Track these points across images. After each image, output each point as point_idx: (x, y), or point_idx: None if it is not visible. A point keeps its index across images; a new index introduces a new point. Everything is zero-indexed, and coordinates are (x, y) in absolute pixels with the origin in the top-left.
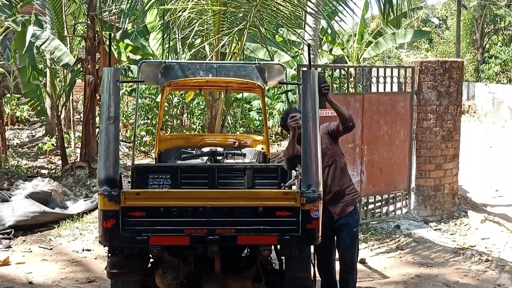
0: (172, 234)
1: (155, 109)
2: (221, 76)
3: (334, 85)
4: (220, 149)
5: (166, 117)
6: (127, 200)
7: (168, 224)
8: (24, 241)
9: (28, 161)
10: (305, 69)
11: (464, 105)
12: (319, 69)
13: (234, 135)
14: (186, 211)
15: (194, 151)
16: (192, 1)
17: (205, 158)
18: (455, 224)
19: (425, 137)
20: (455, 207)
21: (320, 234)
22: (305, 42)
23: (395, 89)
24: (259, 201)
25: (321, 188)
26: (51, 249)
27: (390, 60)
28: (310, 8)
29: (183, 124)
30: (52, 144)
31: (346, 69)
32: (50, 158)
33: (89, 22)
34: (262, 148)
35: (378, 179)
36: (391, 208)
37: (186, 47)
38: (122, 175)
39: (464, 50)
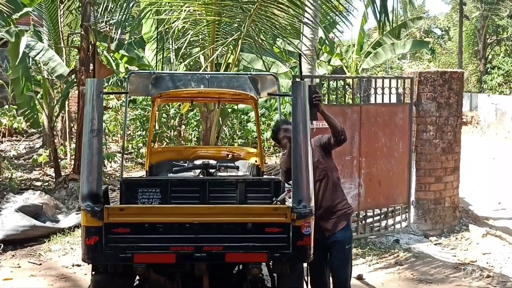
0: (158, 251)
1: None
2: (213, 87)
3: (331, 96)
4: (212, 162)
5: (164, 128)
6: (111, 216)
7: (153, 241)
8: (13, 256)
9: (24, 173)
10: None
11: (466, 116)
12: (316, 80)
13: (228, 148)
14: (172, 228)
15: (186, 164)
16: (185, 11)
17: (198, 171)
18: (456, 238)
19: (425, 149)
20: (456, 221)
21: (312, 251)
22: (298, 51)
23: (393, 100)
24: (248, 217)
25: (312, 203)
26: (40, 264)
27: (392, 71)
28: (307, 18)
29: (181, 135)
30: (47, 156)
31: (343, 80)
32: (45, 170)
33: (83, 32)
34: (256, 161)
35: (377, 192)
36: (390, 222)
37: (180, 58)
38: (110, 189)
39: (466, 61)
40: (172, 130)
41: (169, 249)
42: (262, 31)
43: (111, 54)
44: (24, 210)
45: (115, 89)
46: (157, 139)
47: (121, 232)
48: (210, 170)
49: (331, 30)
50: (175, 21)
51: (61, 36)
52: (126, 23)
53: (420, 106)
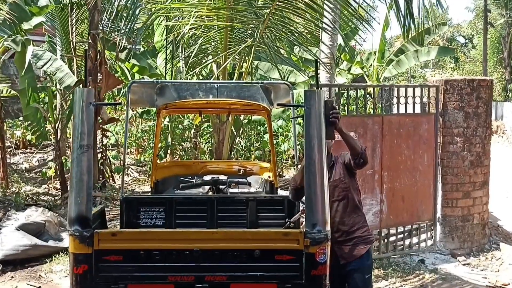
0: (154, 281)
1: (165, 131)
2: (222, 97)
3: (351, 106)
4: (223, 177)
5: (179, 140)
6: (101, 242)
7: (149, 269)
8: (12, 277)
9: (34, 186)
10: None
11: (492, 125)
12: (335, 89)
13: (239, 162)
14: (170, 255)
15: (194, 180)
16: (194, 16)
17: (207, 187)
18: (486, 258)
19: (452, 162)
20: (485, 239)
21: (327, 282)
22: (315, 58)
23: (417, 110)
24: (256, 242)
25: (328, 228)
26: (39, 287)
27: (414, 80)
28: (325, 24)
29: (197, 147)
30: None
31: (364, 88)
32: (55, 184)
33: (90, 41)
34: (269, 176)
35: (400, 208)
36: (415, 240)
37: (191, 67)
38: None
39: (491, 69)
40: (188, 142)
41: (166, 279)
42: (277, 37)
43: (120, 64)
44: (26, 228)
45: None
46: (168, 152)
47: (113, 260)
48: (220, 187)
49: (353, 37)
50: (184, 27)
51: (72, 46)
52: (133, 31)
53: (446, 116)
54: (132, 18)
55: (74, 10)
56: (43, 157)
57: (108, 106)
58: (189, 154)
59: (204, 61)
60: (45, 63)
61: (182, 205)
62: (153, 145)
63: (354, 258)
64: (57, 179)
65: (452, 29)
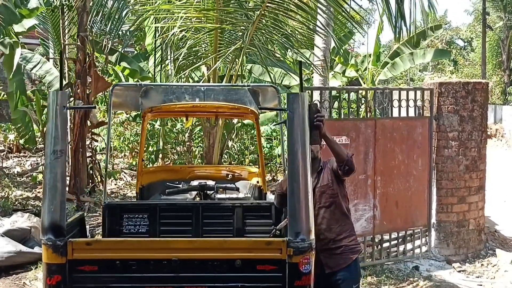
0: None
1: (156, 135)
2: (209, 101)
3: (344, 110)
4: (211, 183)
5: (173, 144)
6: (76, 252)
7: (125, 280)
8: None
9: (25, 191)
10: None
11: (490, 129)
12: (324, 93)
13: (228, 167)
14: (148, 265)
15: (180, 185)
16: (181, 19)
17: (194, 193)
18: (482, 264)
19: (447, 166)
20: (481, 245)
21: None
22: (306, 61)
23: (411, 113)
24: (237, 252)
25: (312, 236)
26: None
27: (414, 83)
28: (318, 26)
29: (191, 151)
30: None
31: (356, 91)
32: None
33: (79, 43)
34: (258, 182)
35: (394, 214)
36: (409, 246)
37: (180, 69)
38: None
39: (490, 72)
40: (182, 146)
41: None
42: (269, 39)
43: (110, 66)
44: (11, 234)
45: None
46: (160, 156)
47: (88, 270)
48: (208, 192)
49: (348, 41)
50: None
51: (63, 48)
52: (123, 33)
53: (441, 120)
54: (119, 19)
55: (65, 13)
56: (37, 161)
57: (88, 109)
58: (182, 158)
59: (194, 63)
60: (34, 66)
61: (166, 211)
62: (151, 148)
63: (340, 268)
64: None
65: (451, 32)
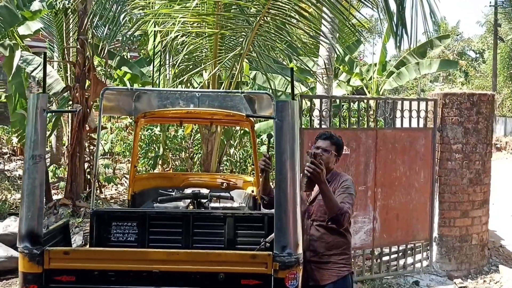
0: None
1: (156, 141)
2: (204, 107)
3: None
4: (205, 191)
5: (174, 150)
6: (53, 261)
7: None
8: None
9: None
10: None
11: (500, 141)
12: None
13: (223, 175)
14: (127, 276)
15: (173, 193)
16: (178, 23)
17: (187, 201)
18: (484, 281)
19: (450, 179)
20: (484, 261)
21: None
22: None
23: (414, 124)
24: (220, 265)
25: (300, 251)
26: None
27: (424, 94)
28: (322, 34)
29: (191, 157)
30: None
31: (358, 101)
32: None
33: (78, 46)
34: (253, 191)
35: (394, 227)
36: (409, 260)
37: (180, 74)
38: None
39: (501, 84)
40: (184, 152)
41: None
42: (269, 46)
43: (111, 71)
44: (2, 239)
45: None
46: (158, 162)
47: (65, 281)
48: (201, 201)
49: (354, 51)
50: (176, 34)
51: (65, 52)
52: (128, 38)
53: (445, 132)
54: (117, 22)
55: (68, 15)
56: None
57: (64, 113)
58: (183, 165)
59: (193, 69)
60: (35, 68)
61: (155, 220)
62: (150, 154)
63: (324, 283)
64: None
65: (463, 43)
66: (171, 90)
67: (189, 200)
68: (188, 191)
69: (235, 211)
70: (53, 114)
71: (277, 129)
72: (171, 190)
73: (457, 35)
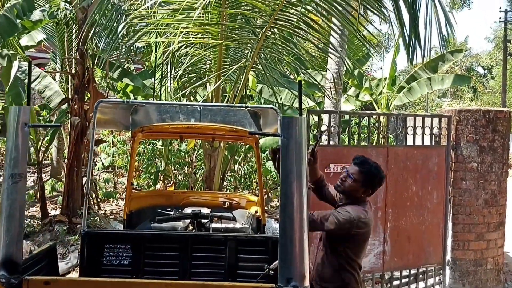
0: None
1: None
2: (206, 121)
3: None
4: (206, 211)
5: (177, 166)
6: None
7: None
8: None
9: None
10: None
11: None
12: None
13: (226, 194)
14: None
15: (172, 212)
16: (179, 34)
17: (187, 221)
18: None
19: (464, 200)
20: (500, 286)
21: None
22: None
23: (427, 141)
24: None
25: (307, 283)
26: None
27: (433, 110)
28: (331, 47)
29: (195, 173)
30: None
31: (368, 116)
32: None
33: (78, 57)
34: (257, 211)
35: (406, 249)
36: (421, 285)
37: (182, 87)
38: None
39: (510, 100)
40: (188, 167)
41: None
42: (276, 58)
43: (113, 83)
44: None
45: None
46: (159, 177)
47: None
48: (202, 221)
49: (363, 65)
50: (179, 45)
51: (67, 63)
52: (131, 49)
53: (459, 150)
54: (115, 33)
55: (70, 26)
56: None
57: (50, 128)
58: (187, 180)
59: (197, 81)
60: (34, 80)
61: (152, 242)
62: (151, 169)
63: None
64: (49, 202)
65: (471, 59)
66: (170, 103)
67: (188, 220)
68: (188, 210)
69: (237, 233)
70: (38, 128)
71: (283, 148)
72: (170, 209)
73: (466, 51)
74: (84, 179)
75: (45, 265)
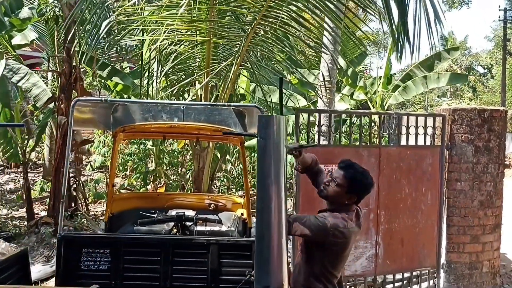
0: None
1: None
2: (189, 121)
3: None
4: (190, 213)
5: (169, 165)
6: None
7: None
8: None
9: (12, 210)
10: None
11: (510, 158)
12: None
13: (211, 196)
14: None
15: (155, 215)
16: (165, 32)
17: (171, 224)
18: None
19: (459, 201)
20: None
21: None
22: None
23: (421, 141)
24: None
25: None
26: None
27: (431, 110)
28: (323, 46)
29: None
30: (38, 192)
31: (360, 116)
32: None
33: (64, 55)
34: (243, 214)
35: (399, 252)
36: None
37: (169, 85)
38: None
39: (510, 100)
40: (180, 167)
41: None
42: (266, 56)
43: (102, 81)
44: None
45: None
46: (149, 177)
47: None
48: (186, 224)
49: (361, 62)
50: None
51: (56, 61)
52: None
53: (454, 150)
54: (100, 30)
55: (59, 23)
56: (33, 177)
57: (17, 127)
58: (180, 180)
59: (185, 79)
60: (21, 78)
61: (131, 246)
62: (146, 169)
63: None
64: (39, 203)
65: (471, 58)
66: (152, 102)
67: (172, 223)
68: (173, 212)
69: (220, 237)
70: (23, 129)
71: (260, 148)
72: (153, 211)
73: (465, 50)
74: (72, 180)
75: (16, 271)
